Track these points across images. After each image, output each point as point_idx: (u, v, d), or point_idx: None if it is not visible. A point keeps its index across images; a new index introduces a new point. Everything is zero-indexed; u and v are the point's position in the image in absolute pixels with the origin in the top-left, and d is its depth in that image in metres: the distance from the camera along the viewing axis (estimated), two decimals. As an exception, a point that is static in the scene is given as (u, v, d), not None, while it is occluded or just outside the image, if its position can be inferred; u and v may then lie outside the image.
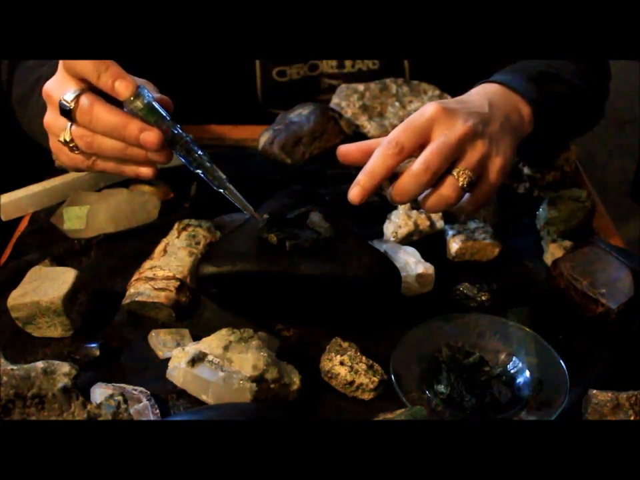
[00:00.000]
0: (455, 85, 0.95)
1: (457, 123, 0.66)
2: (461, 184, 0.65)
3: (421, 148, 0.65)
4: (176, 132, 0.66)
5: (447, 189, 0.65)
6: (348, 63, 1.01)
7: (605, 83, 0.92)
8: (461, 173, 0.65)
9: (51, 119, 0.70)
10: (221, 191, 0.68)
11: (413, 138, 0.65)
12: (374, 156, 0.66)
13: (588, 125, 0.91)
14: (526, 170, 0.86)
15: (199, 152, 0.67)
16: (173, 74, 0.90)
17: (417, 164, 0.64)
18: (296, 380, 0.62)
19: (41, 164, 0.91)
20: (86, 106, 0.65)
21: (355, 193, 0.65)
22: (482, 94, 0.72)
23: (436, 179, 0.65)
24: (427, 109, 0.67)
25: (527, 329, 0.67)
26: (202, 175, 0.68)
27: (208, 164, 0.67)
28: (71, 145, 0.68)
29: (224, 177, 0.68)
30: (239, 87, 1.00)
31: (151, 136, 0.65)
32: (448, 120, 0.66)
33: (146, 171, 0.69)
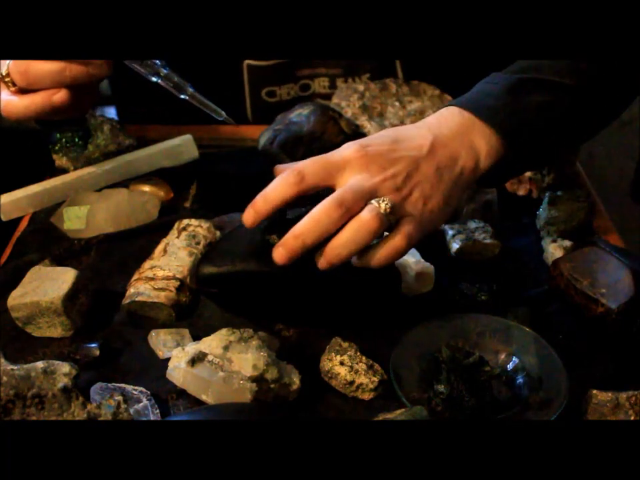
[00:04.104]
0: (450, 86, 0.95)
1: (373, 170, 0.62)
2: (383, 210, 0.60)
3: (325, 189, 0.62)
4: None
5: (367, 213, 0.60)
6: (340, 83, 1.00)
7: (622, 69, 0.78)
8: (381, 200, 0.61)
9: None
10: (183, 97, 0.67)
11: (318, 172, 0.62)
12: (274, 180, 0.63)
13: (602, 119, 0.79)
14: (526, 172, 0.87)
15: (156, 62, 0.67)
16: None
17: (328, 199, 0.60)
18: (296, 380, 0.62)
19: (40, 164, 0.91)
20: None
21: (247, 216, 0.63)
22: (433, 127, 0.67)
23: (342, 223, 0.60)
24: (345, 148, 0.64)
25: (527, 329, 0.67)
26: (161, 83, 0.67)
27: (164, 70, 0.67)
28: (6, 79, 0.67)
29: (183, 81, 0.67)
30: (228, 108, 1.00)
31: None
32: (364, 165, 0.62)
33: (61, 96, 0.67)
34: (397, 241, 0.62)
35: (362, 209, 0.61)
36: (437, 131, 0.66)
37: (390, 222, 0.61)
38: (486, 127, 0.67)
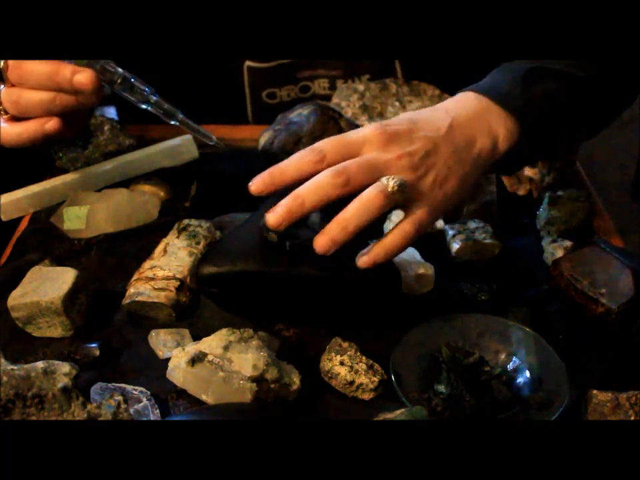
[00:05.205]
0: (450, 86, 0.95)
1: (391, 149, 0.62)
2: (390, 188, 0.60)
3: None
4: (112, 69, 0.67)
5: (373, 189, 0.60)
6: (340, 84, 1.01)
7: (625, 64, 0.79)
8: (391, 178, 0.61)
9: None
10: (174, 122, 0.69)
11: (339, 150, 0.62)
12: (292, 156, 0.63)
13: (611, 109, 0.80)
14: (527, 171, 0.87)
15: (146, 89, 0.68)
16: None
17: (332, 167, 0.60)
18: (296, 380, 0.62)
19: (40, 164, 0.91)
20: (16, 62, 0.66)
21: (258, 182, 0.62)
22: (450, 110, 0.67)
23: (351, 191, 0.60)
24: (365, 128, 0.64)
25: (527, 329, 0.67)
26: (151, 110, 0.69)
27: (154, 97, 0.68)
28: None
29: (173, 108, 0.69)
30: (228, 110, 1.00)
31: (84, 77, 0.65)
32: (383, 144, 0.62)
33: (52, 124, 0.69)
34: (406, 226, 0.62)
35: (369, 182, 0.61)
36: (455, 113, 0.67)
37: (397, 201, 0.61)
38: (502, 112, 0.67)
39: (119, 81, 0.68)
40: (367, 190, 0.60)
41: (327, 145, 0.63)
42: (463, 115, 0.67)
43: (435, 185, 0.63)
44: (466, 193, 0.67)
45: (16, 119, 0.70)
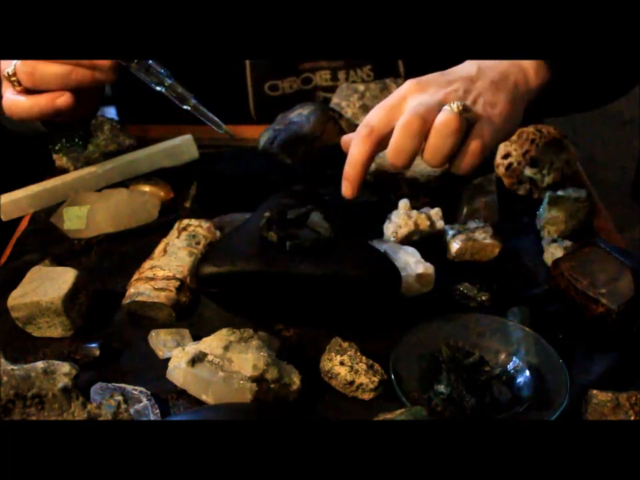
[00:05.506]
0: None
1: (431, 92, 0.64)
2: (456, 109, 0.62)
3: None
4: None
5: (443, 114, 0.61)
6: (342, 75, 1.01)
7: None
8: (452, 103, 0.62)
9: (4, 65, 0.70)
10: (186, 107, 0.69)
11: (382, 117, 0.64)
12: (352, 143, 0.64)
13: (624, 81, 0.83)
14: (527, 171, 0.87)
15: (161, 71, 0.69)
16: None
17: (404, 116, 0.62)
18: (296, 380, 0.62)
19: (40, 164, 0.91)
20: None
21: (344, 188, 0.65)
22: (474, 61, 0.69)
23: (426, 133, 0.62)
24: (400, 87, 0.66)
25: (527, 329, 0.67)
26: (165, 93, 0.69)
27: (169, 80, 0.69)
28: (12, 79, 0.68)
29: (187, 93, 0.69)
30: (230, 103, 1.00)
31: None
32: (421, 91, 0.64)
33: (65, 99, 0.69)
34: (472, 145, 0.63)
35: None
36: (480, 62, 0.68)
37: (466, 120, 0.62)
38: None
39: (135, 60, 0.68)
40: (437, 118, 0.61)
41: (370, 116, 0.64)
42: (488, 63, 0.68)
43: (487, 107, 0.64)
44: (516, 120, 0.67)
45: (28, 92, 0.70)
